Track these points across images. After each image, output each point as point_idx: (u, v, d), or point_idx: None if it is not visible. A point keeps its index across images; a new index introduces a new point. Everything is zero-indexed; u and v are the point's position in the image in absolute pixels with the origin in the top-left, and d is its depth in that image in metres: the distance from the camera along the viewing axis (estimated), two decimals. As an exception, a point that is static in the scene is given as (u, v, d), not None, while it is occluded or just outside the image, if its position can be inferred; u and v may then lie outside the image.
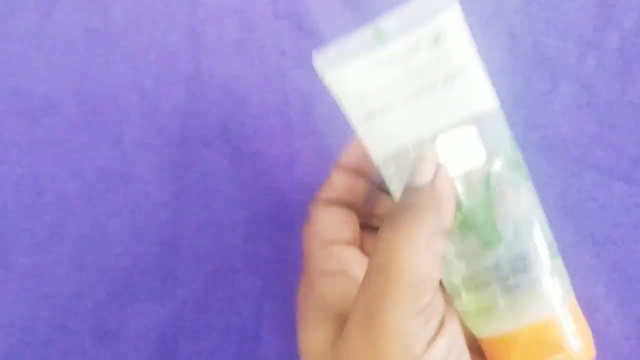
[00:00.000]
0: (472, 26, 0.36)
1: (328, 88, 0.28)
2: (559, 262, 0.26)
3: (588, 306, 0.33)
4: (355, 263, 0.28)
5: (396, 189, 0.27)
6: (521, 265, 0.25)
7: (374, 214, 0.31)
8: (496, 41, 0.36)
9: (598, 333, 0.33)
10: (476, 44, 0.36)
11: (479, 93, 0.26)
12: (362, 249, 0.29)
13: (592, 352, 0.26)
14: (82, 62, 0.37)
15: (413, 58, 0.26)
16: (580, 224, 0.34)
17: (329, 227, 0.29)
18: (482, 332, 0.26)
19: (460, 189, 0.26)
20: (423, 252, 0.23)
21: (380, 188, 0.31)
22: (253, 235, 0.35)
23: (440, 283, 0.25)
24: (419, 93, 0.26)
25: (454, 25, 0.26)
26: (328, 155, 0.31)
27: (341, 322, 0.24)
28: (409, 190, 0.25)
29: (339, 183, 0.29)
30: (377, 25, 0.26)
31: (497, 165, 0.26)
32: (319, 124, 0.36)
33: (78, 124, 0.37)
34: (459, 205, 0.26)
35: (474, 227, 0.26)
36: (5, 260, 0.35)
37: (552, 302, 0.25)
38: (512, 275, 0.25)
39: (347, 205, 0.29)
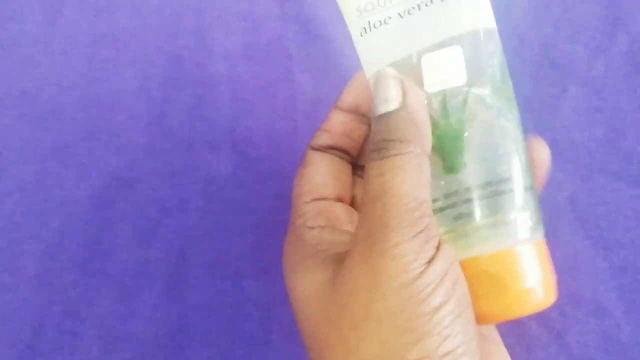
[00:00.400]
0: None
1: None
2: (532, 197, 0.25)
3: (598, 311, 0.33)
4: (344, 219, 0.27)
5: None
6: (488, 192, 0.24)
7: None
8: (504, 44, 0.36)
9: (608, 338, 0.33)
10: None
11: (476, 9, 0.25)
12: (355, 194, 0.29)
13: (552, 297, 0.25)
14: (88, 67, 0.37)
15: None
16: (591, 229, 0.34)
17: (320, 180, 0.28)
18: None
19: (437, 109, 0.25)
20: (414, 177, 0.23)
21: None
22: (261, 240, 0.35)
23: None
24: (415, 7, 0.25)
25: None
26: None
27: (339, 263, 0.23)
28: (382, 116, 0.24)
29: (337, 127, 0.29)
30: None
31: (481, 88, 0.25)
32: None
33: (84, 129, 0.37)
34: (435, 126, 0.25)
35: (441, 149, 0.25)
36: (13, 267, 0.35)
37: (517, 234, 0.24)
38: (476, 201, 0.24)
39: (343, 150, 0.29)
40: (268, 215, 0.36)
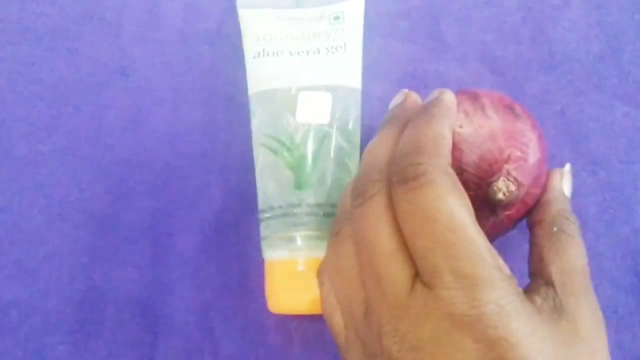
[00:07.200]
0: None
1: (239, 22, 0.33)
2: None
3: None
4: None
5: (257, 121, 0.32)
6: (312, 211, 0.30)
7: None
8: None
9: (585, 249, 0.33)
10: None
11: (349, 71, 0.32)
12: None
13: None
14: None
15: (313, 25, 0.33)
16: (578, 143, 0.34)
17: None
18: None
19: (301, 137, 0.30)
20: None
21: None
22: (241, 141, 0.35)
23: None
24: (304, 52, 0.32)
25: (354, 13, 0.33)
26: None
27: None
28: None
29: None
30: None
31: (337, 131, 0.31)
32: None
33: (75, 13, 0.36)
34: (297, 149, 0.30)
35: (295, 169, 0.30)
36: (2, 148, 0.35)
37: (300, 251, 0.30)
38: (304, 216, 0.30)
39: None
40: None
